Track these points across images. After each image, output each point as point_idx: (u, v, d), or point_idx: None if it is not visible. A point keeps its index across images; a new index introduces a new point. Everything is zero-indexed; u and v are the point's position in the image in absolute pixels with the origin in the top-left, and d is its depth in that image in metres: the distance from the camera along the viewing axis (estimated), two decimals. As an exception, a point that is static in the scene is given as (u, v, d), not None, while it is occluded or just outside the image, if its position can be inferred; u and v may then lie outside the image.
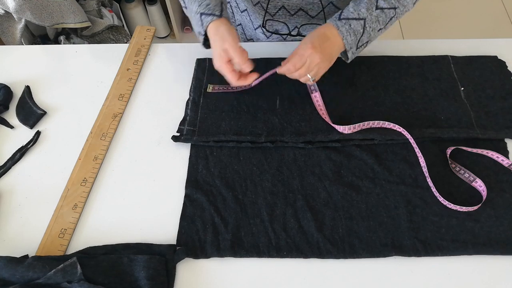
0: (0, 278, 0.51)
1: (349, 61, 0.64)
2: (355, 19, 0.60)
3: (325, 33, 0.61)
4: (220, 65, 0.61)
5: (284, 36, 0.79)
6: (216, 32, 0.60)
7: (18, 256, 0.53)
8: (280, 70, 0.63)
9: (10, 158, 0.64)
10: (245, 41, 0.87)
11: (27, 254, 0.54)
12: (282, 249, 0.55)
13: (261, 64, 0.73)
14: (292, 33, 0.77)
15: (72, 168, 0.63)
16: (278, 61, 0.73)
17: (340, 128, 0.63)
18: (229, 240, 0.55)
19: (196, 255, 0.54)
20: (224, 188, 0.60)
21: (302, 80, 0.63)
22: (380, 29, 0.62)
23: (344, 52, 0.63)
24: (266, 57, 0.74)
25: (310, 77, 0.61)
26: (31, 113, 0.69)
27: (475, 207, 0.56)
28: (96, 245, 0.55)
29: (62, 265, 0.51)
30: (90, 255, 0.53)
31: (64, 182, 0.61)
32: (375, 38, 0.64)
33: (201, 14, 0.61)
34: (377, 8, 0.60)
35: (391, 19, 0.62)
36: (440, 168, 0.61)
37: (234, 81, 0.61)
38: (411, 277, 0.52)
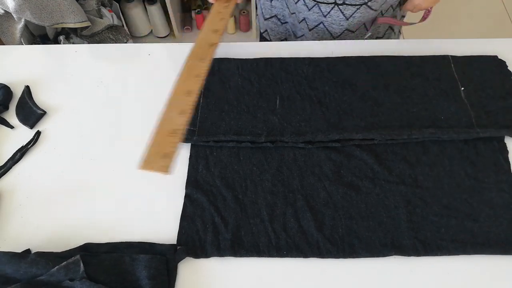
0: (4, 274, 0.51)
1: None
2: None
3: None
4: None
5: (330, 5, 0.78)
6: None
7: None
8: None
9: (10, 158, 0.64)
10: (289, 15, 0.86)
11: (29, 249, 0.55)
12: (282, 249, 0.55)
13: (261, 64, 0.73)
14: (338, 1, 0.76)
15: (73, 167, 0.63)
16: (278, 61, 0.74)
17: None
18: (229, 239, 0.55)
19: (196, 255, 0.55)
20: (224, 188, 0.60)
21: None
22: None
23: None
24: (266, 57, 0.74)
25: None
26: (31, 113, 0.69)
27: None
28: (96, 245, 0.55)
29: (65, 262, 0.51)
30: (92, 253, 0.54)
31: (64, 182, 0.62)
32: None
33: None
34: None
35: None
36: (440, 169, 0.61)
37: None
38: (410, 277, 0.53)
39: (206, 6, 1.82)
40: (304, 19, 0.83)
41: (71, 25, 1.20)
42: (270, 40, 0.93)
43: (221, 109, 0.68)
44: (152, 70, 0.75)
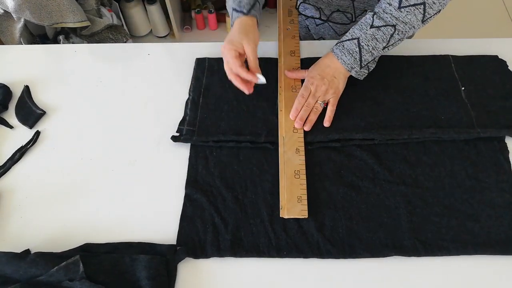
0: (3, 274, 0.51)
1: (362, 79, 0.67)
2: (349, 39, 0.65)
3: (324, 61, 0.67)
4: (227, 53, 0.63)
5: (316, 20, 0.85)
6: (240, 27, 0.65)
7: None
8: (295, 104, 0.66)
9: (9, 158, 0.64)
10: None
11: (28, 249, 0.55)
12: (282, 249, 0.54)
13: (261, 64, 0.73)
14: (322, 18, 0.82)
15: (72, 167, 0.63)
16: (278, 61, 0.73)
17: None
18: (229, 240, 0.55)
19: (196, 255, 0.54)
20: (224, 188, 0.60)
21: (314, 109, 0.65)
22: (385, 46, 0.63)
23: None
24: (266, 57, 0.74)
25: (320, 102, 0.65)
26: (30, 113, 0.69)
27: None
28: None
29: (64, 262, 0.51)
30: (92, 253, 0.54)
31: (64, 182, 0.61)
32: (380, 55, 0.66)
33: (233, 9, 0.67)
34: (372, 27, 0.62)
35: (392, 36, 0.62)
36: (440, 169, 0.61)
37: (233, 78, 0.64)
38: (411, 277, 0.52)
39: (205, 6, 1.82)
40: (312, 15, 0.87)
41: (71, 25, 1.20)
42: None
43: (220, 109, 0.68)
44: (152, 70, 0.75)
